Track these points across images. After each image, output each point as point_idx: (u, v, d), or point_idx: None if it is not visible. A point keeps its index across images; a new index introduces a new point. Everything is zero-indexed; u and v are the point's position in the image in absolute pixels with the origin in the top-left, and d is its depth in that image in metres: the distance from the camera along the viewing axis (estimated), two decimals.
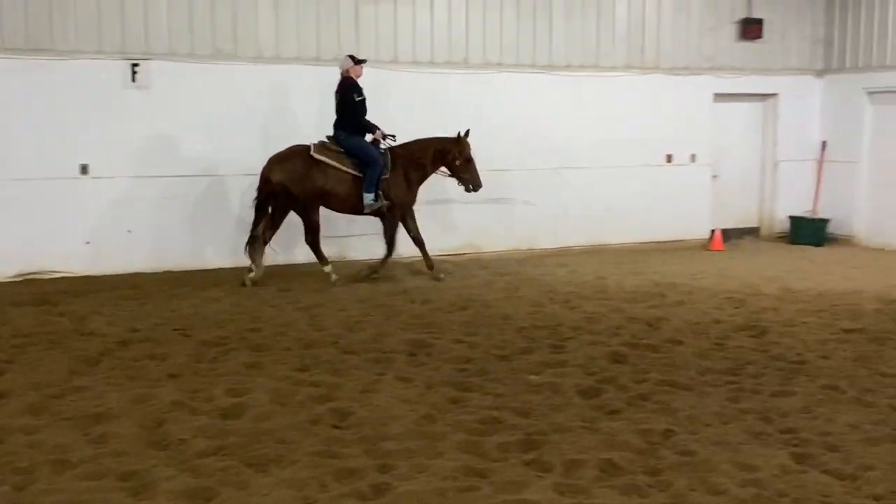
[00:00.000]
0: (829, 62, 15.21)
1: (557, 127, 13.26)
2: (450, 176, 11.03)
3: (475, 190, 10.95)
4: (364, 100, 10.54)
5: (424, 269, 11.08)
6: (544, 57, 13.27)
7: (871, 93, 14.55)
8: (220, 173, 11.53)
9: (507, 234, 13.13)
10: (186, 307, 9.33)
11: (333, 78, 10.77)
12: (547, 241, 13.38)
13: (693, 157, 14.55)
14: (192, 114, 11.31)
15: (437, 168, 10.96)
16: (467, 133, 10.75)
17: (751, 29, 14.54)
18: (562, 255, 13.04)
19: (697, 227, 14.59)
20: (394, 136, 10.74)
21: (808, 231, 14.89)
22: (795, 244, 14.76)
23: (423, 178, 10.98)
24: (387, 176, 10.57)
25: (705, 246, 14.34)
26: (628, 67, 13.86)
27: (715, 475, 4.88)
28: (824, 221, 14.95)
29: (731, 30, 14.58)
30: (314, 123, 11.28)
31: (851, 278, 11.29)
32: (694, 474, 4.90)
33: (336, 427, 5.70)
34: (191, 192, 11.41)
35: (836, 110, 15.15)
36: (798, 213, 15.24)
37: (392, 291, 10.23)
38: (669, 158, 14.35)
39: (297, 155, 10.45)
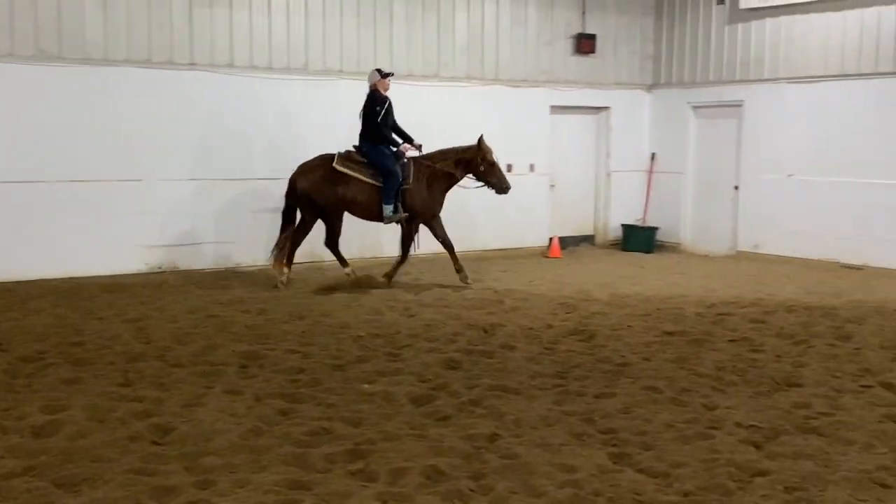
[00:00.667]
0: (658, 77, 15.97)
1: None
2: (477, 180, 11.31)
3: (504, 192, 11.35)
4: (386, 111, 10.89)
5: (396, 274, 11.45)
6: (385, 65, 13.26)
7: (695, 107, 15.36)
8: (43, 179, 10.98)
9: (346, 242, 13.03)
10: (4, 320, 8.82)
11: (166, 81, 10.46)
12: (388, 249, 13.37)
13: (532, 167, 14.93)
14: (15, 116, 10.73)
15: (464, 175, 11.31)
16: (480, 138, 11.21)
17: (584, 44, 15.08)
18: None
19: (536, 236, 14.99)
20: (419, 147, 11.12)
21: (638, 239, 15.56)
22: (627, 251, 15.40)
23: (450, 185, 11.38)
24: (408, 186, 10.98)
25: (544, 253, 14.73)
26: (469, 78, 14.09)
27: (535, 477, 4.99)
28: (653, 229, 15.66)
29: (567, 44, 15.07)
30: (146, 128, 10.92)
31: (676, 283, 11.85)
32: (516, 477, 4.99)
33: (156, 443, 5.49)
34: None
35: (664, 123, 15.92)
36: (630, 221, 15.90)
37: (227, 301, 10.00)
38: (510, 168, 14.56)
39: (321, 165, 10.96)
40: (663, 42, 15.84)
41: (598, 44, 15.24)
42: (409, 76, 13.47)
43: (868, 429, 5.84)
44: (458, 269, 11.35)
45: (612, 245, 15.91)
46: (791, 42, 13.86)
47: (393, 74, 11.10)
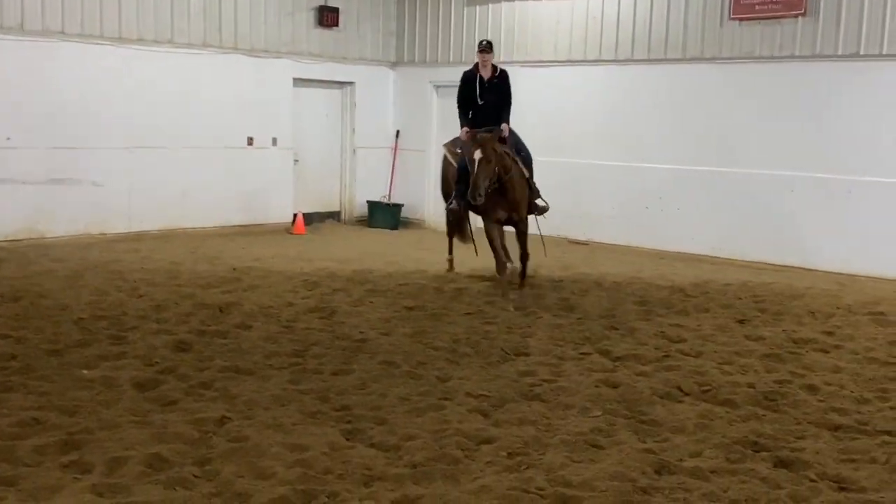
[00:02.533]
0: (401, 55, 16.14)
1: (131, 104, 12.58)
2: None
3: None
4: (461, 90, 10.24)
5: None
6: (113, 28, 12.46)
7: (437, 86, 15.67)
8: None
9: (73, 218, 12.17)
10: None
11: None
12: (119, 225, 12.65)
13: (274, 141, 14.63)
14: None
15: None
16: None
17: (328, 16, 14.94)
18: (134, 241, 12.41)
19: (280, 211, 14.72)
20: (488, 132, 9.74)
21: (383, 215, 15.71)
22: (373, 228, 15.50)
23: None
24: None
25: (288, 230, 14.51)
26: (205, 45, 13.52)
27: (264, 459, 4.86)
28: (398, 206, 15.87)
29: (310, 16, 14.85)
30: None
31: (419, 259, 12.07)
32: (244, 460, 4.83)
33: None
34: None
35: (408, 101, 16.14)
36: (375, 198, 16.01)
37: None
38: (251, 141, 14.29)
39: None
40: (405, 20, 16.02)
41: (342, 18, 15.15)
42: (140, 41, 12.71)
43: (585, 393, 6.21)
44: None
45: (357, 222, 15.96)
46: (524, 27, 14.47)
47: (486, 45, 10.06)
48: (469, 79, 10.06)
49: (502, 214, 9.83)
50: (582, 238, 13.86)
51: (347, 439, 5.27)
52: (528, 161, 9.96)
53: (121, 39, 12.51)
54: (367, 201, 15.96)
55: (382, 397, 6.05)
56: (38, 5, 11.67)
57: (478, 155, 9.09)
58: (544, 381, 6.52)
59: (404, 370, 6.74)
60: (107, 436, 5.09)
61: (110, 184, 12.51)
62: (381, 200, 16.04)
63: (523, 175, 9.84)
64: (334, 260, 11.67)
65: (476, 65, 10.14)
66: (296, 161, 15.06)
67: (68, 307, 8.25)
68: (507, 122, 9.94)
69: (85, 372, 6.33)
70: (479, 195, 9.07)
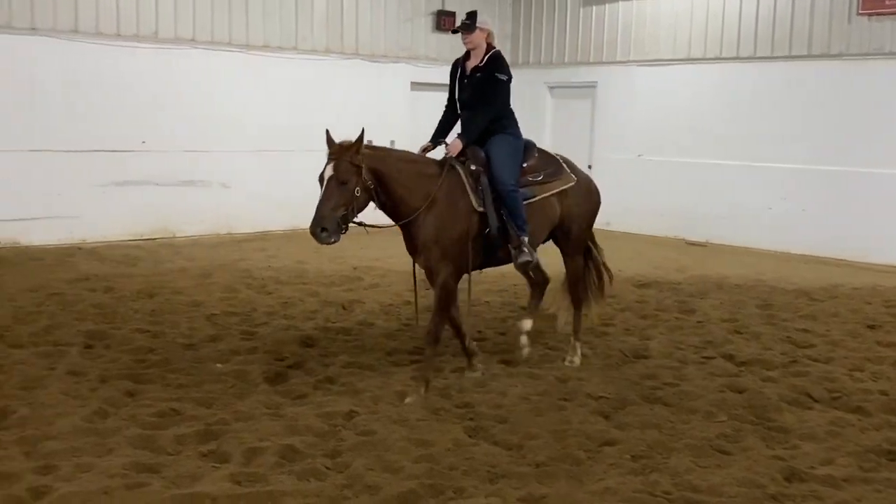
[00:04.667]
0: (516, 57, 16.17)
1: (257, 108, 13.04)
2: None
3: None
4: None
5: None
6: (241, 35, 12.94)
7: (551, 87, 15.66)
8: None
9: (202, 219, 12.70)
10: None
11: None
12: (245, 225, 13.12)
13: (392, 144, 14.83)
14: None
15: None
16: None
17: (445, 20, 15.11)
18: (260, 240, 12.84)
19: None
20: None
21: None
22: None
23: None
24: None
25: None
26: (328, 51, 13.89)
27: (391, 453, 4.98)
28: None
29: (428, 21, 15.06)
30: None
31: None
32: (372, 454, 4.97)
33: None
34: None
35: (523, 103, 16.09)
36: None
37: (71, 279, 9.52)
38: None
39: None
40: (521, 22, 16.06)
41: (458, 21, 15.26)
42: (265, 47, 13.16)
43: (709, 398, 6.12)
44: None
45: None
46: (642, 26, 14.31)
47: (465, 21, 6.74)
48: (452, 70, 6.84)
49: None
50: (699, 239, 13.60)
51: (470, 436, 5.35)
52: (509, 200, 6.33)
53: (248, 46, 12.98)
54: None
55: (503, 396, 6.11)
56: (171, 15, 12.22)
57: (328, 172, 5.87)
58: (666, 384, 6.46)
59: (523, 370, 6.78)
60: (242, 427, 5.31)
61: (237, 185, 12.99)
62: None
63: (465, 212, 6.26)
64: None
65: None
66: None
67: (201, 303, 8.62)
68: (470, 136, 6.41)
69: (218, 366, 6.61)
70: (324, 230, 5.79)
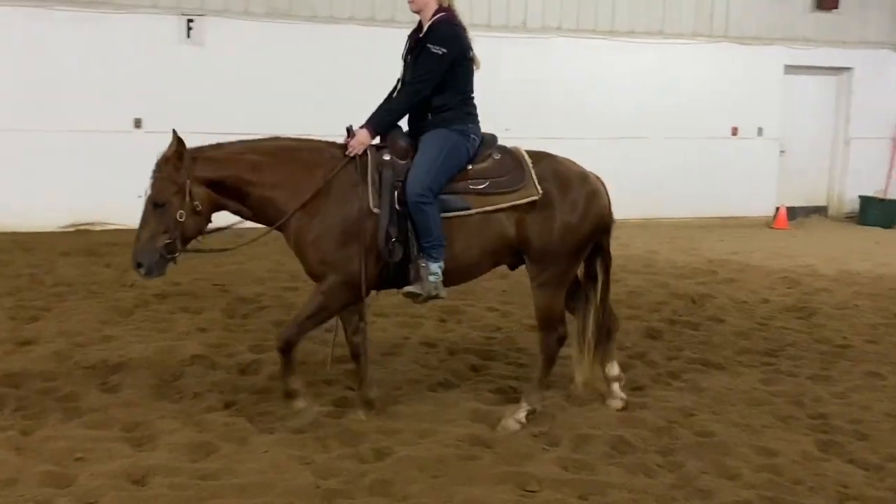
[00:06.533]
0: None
1: (615, 96, 12.94)
2: None
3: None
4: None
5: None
6: (606, 22, 12.91)
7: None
8: (270, 133, 11.53)
9: None
10: (231, 263, 9.36)
11: (386, 39, 10.60)
12: None
13: (760, 131, 14.07)
14: (245, 72, 11.31)
15: None
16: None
17: None
18: (615, 228, 12.69)
19: (761, 204, 14.12)
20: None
21: (877, 212, 14.30)
22: (864, 225, 14.18)
23: None
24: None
25: (769, 223, 13.88)
26: (695, 35, 13.41)
27: (730, 458, 4.67)
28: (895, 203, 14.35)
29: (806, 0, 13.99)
30: (367, 87, 11.15)
31: None
32: (708, 456, 4.70)
33: (350, 388, 5.64)
34: None
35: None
36: (869, 193, 14.63)
37: None
38: (735, 131, 13.91)
39: None
40: None
41: None
42: (630, 33, 13.01)
43: None
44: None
45: (847, 218, 14.73)
46: None
47: None
48: (406, 44, 5.34)
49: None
50: None
51: (822, 451, 4.86)
52: (414, 213, 4.91)
53: (612, 32, 12.93)
54: (860, 196, 14.63)
55: (864, 410, 5.49)
56: (539, 5, 12.51)
57: (147, 192, 4.84)
58: None
59: (892, 383, 6.05)
60: (575, 413, 5.28)
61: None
62: (876, 196, 14.59)
63: (356, 213, 4.93)
64: (818, 257, 10.89)
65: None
66: (781, 152, 14.32)
67: None
68: (378, 123, 5.08)
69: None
70: (139, 265, 4.78)
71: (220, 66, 11.19)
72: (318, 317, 4.98)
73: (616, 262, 9.87)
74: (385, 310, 7.57)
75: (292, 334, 4.93)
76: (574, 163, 5.48)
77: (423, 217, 4.88)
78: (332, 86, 11.51)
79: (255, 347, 6.40)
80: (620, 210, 12.92)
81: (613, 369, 5.52)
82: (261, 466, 4.41)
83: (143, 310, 7.42)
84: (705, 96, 13.48)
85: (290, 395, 5.02)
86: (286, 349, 4.93)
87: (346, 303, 5.01)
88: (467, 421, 5.12)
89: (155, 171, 4.78)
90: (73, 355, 6.07)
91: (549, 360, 5.30)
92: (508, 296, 8.33)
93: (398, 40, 5.37)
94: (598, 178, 5.47)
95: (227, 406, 5.24)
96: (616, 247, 11.02)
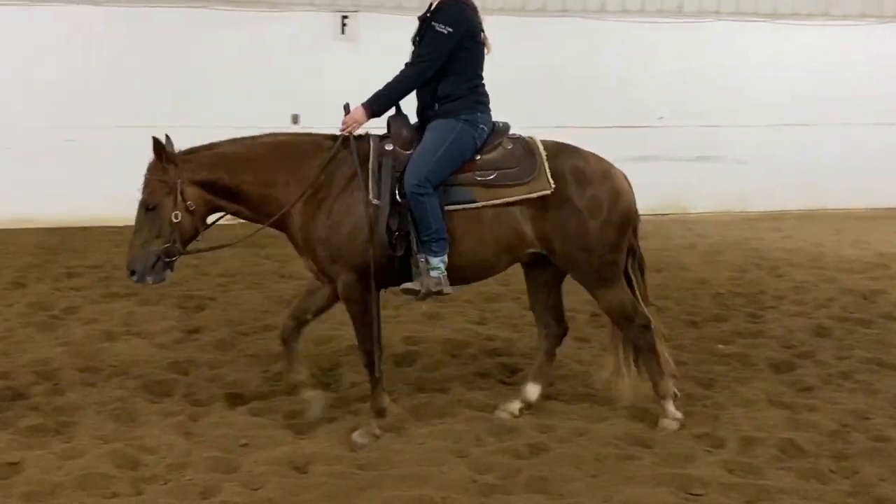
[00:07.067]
0: None
1: (777, 82, 12.37)
2: None
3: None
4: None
5: None
6: (767, 4, 12.35)
7: None
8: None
9: (715, 195, 12.43)
10: None
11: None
12: (760, 203, 12.57)
13: None
14: (399, 67, 11.43)
15: None
16: None
17: None
18: (775, 219, 12.19)
19: None
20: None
21: None
22: None
23: None
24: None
25: None
26: (863, 16, 12.65)
27: None
28: None
29: None
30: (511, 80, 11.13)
31: None
32: (887, 462, 4.39)
33: (503, 382, 5.61)
34: None
35: None
36: None
37: None
38: None
39: None
40: None
41: None
42: (794, 15, 12.40)
43: None
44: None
45: None
46: None
47: None
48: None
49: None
50: None
51: None
52: (413, 205, 4.65)
53: (774, 15, 12.38)
54: None
55: None
56: None
57: (138, 196, 4.72)
58: None
59: None
60: (741, 414, 5.04)
61: (753, 161, 12.50)
62: None
63: (357, 205, 4.70)
64: None
65: None
66: None
67: (707, 281, 8.43)
68: (377, 104, 4.88)
69: (721, 347, 6.38)
70: (133, 273, 4.65)
71: (373, 61, 11.32)
72: (366, 323, 4.75)
73: (778, 256, 9.60)
74: None
75: (365, 346, 4.79)
76: (599, 158, 5.07)
77: (421, 209, 4.61)
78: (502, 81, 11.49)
79: (409, 339, 6.45)
80: (780, 200, 12.54)
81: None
82: (417, 458, 4.42)
83: None
84: (873, 81, 12.69)
85: (380, 413, 4.82)
86: (370, 367, 4.78)
87: (369, 294, 4.72)
88: (624, 419, 4.98)
89: (145, 175, 4.67)
90: (237, 343, 6.30)
91: (646, 349, 4.95)
92: (663, 290, 8.08)
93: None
94: (622, 174, 5.09)
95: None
96: (777, 239, 10.69)
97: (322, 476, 4.21)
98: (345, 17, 11.24)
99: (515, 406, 5.05)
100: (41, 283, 7.98)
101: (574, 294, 5.74)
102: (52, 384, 5.44)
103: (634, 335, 4.96)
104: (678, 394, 5.02)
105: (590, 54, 11.86)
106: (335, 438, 4.68)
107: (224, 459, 4.40)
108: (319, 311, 5.09)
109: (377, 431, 4.71)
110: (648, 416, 5.01)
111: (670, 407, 4.91)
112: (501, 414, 5.02)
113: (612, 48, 11.87)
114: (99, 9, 10.76)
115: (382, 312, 4.90)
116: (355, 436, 4.67)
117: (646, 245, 10.09)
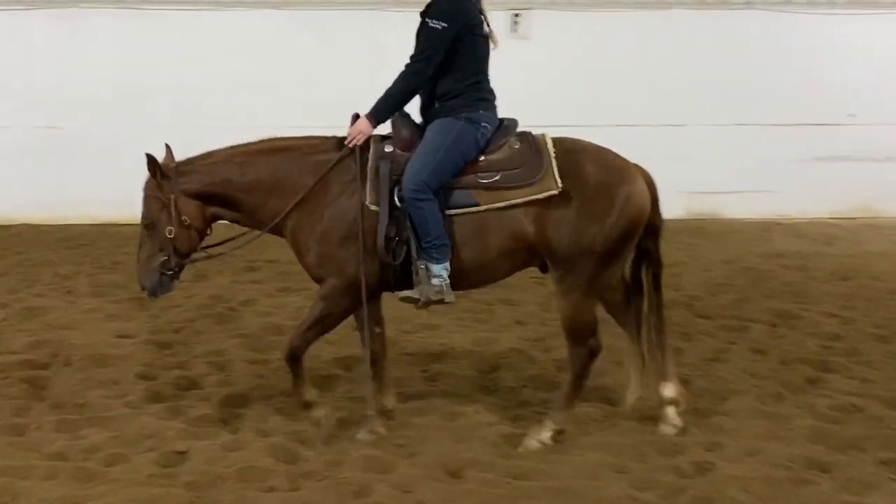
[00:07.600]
0: None
1: None
2: None
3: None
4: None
5: None
6: None
7: None
8: (594, 124, 11.38)
9: None
10: None
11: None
12: None
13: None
14: (572, 65, 11.24)
15: None
16: None
17: None
18: None
19: None
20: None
21: None
22: None
23: None
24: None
25: None
26: None
27: None
28: None
29: None
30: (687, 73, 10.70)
31: None
32: None
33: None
34: None
35: None
36: None
37: (766, 254, 9.41)
38: None
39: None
40: None
41: None
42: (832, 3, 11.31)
43: None
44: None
45: None
46: None
47: None
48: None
49: None
50: None
51: None
52: (411, 210, 4.45)
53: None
54: None
55: None
56: None
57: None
58: None
59: None
60: None
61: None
62: None
63: (353, 210, 4.55)
64: None
65: None
66: None
67: None
68: (378, 111, 4.62)
69: None
70: (143, 288, 4.73)
71: (544, 59, 11.20)
72: (321, 324, 4.66)
73: None
74: (707, 311, 7.15)
75: (296, 345, 4.63)
76: (615, 155, 4.70)
77: (419, 215, 4.42)
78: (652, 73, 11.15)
79: None
80: None
81: (667, 390, 4.83)
82: (573, 471, 4.28)
83: (466, 300, 7.58)
84: None
85: (306, 406, 4.74)
86: (292, 360, 4.64)
87: (350, 308, 4.66)
88: (801, 440, 4.65)
89: (143, 191, 4.68)
90: (399, 341, 6.33)
91: (579, 375, 4.71)
92: (850, 300, 7.54)
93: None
94: (641, 174, 4.67)
95: (542, 402, 5.17)
96: None
97: (475, 483, 4.16)
98: (516, 14, 11.14)
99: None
100: (222, 275, 8.31)
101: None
102: (224, 375, 5.65)
103: (580, 355, 4.69)
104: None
105: (774, 48, 11.26)
106: (490, 444, 4.60)
107: (379, 459, 4.42)
108: None
109: (381, 430, 4.74)
110: (828, 438, 4.65)
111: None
112: (666, 429, 4.80)
113: (798, 42, 11.22)
114: None
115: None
116: (360, 434, 4.70)
117: (832, 251, 9.68)
